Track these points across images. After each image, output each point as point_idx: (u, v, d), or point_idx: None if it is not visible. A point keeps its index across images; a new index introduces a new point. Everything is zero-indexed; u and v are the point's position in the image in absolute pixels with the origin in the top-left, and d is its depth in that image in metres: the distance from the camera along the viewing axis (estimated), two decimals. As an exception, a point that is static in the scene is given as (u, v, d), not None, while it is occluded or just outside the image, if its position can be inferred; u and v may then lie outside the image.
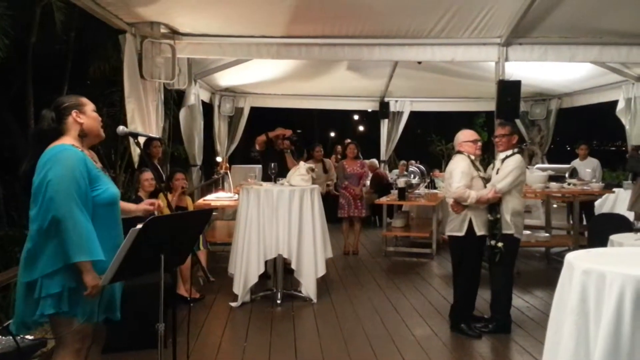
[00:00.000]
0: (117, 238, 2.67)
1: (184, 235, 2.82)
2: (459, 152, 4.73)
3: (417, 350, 4.34)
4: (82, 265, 2.48)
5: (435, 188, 9.25)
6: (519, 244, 4.74)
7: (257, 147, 6.75)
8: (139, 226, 2.42)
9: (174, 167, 7.01)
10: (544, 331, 2.41)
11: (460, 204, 4.56)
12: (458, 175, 4.55)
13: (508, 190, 4.54)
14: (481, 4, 5.86)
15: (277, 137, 6.73)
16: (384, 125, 12.55)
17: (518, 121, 9.33)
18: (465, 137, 4.76)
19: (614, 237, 4.04)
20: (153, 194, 5.08)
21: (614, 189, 8.54)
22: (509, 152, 4.66)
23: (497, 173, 4.65)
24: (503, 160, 4.65)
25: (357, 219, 8.07)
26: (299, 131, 7.47)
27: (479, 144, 4.71)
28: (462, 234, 4.59)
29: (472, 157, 4.66)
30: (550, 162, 11.07)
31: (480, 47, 6.63)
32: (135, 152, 6.06)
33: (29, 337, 3.25)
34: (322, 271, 5.59)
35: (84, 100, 2.77)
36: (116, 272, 2.43)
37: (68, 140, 2.64)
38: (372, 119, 16.27)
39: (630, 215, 6.79)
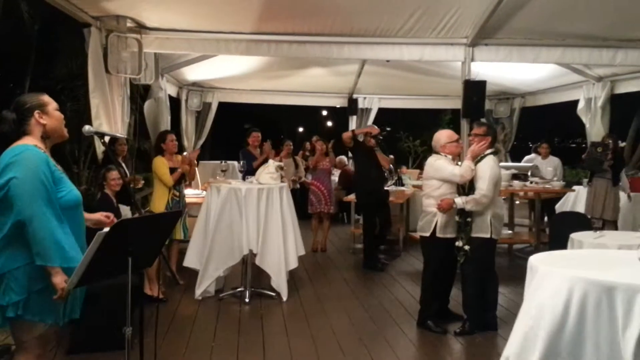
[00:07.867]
0: (81, 241, 2.61)
1: (152, 238, 2.79)
2: (437, 153, 4.72)
3: (384, 347, 4.40)
4: (51, 267, 2.42)
5: (402, 185, 9.34)
6: (495, 246, 4.67)
7: (346, 143, 7.06)
8: (106, 229, 2.38)
9: (165, 130, 6.69)
10: (509, 327, 2.50)
11: (448, 204, 4.50)
12: (449, 173, 4.57)
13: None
14: (448, 5, 5.94)
15: (365, 135, 7.00)
16: (353, 121, 12.59)
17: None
18: (448, 138, 4.73)
19: (574, 236, 4.19)
20: (119, 193, 5.03)
21: (574, 187, 8.79)
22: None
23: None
24: (477, 162, 4.52)
25: (327, 215, 8.09)
26: (388, 129, 7.74)
27: (461, 141, 4.77)
28: (427, 234, 4.66)
29: (450, 158, 4.69)
30: (513, 159, 11.33)
31: (448, 47, 6.70)
32: (100, 149, 5.94)
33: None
34: (293, 264, 5.62)
35: (46, 99, 2.67)
36: (82, 276, 2.39)
37: (30, 141, 2.55)
38: (341, 115, 16.29)
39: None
